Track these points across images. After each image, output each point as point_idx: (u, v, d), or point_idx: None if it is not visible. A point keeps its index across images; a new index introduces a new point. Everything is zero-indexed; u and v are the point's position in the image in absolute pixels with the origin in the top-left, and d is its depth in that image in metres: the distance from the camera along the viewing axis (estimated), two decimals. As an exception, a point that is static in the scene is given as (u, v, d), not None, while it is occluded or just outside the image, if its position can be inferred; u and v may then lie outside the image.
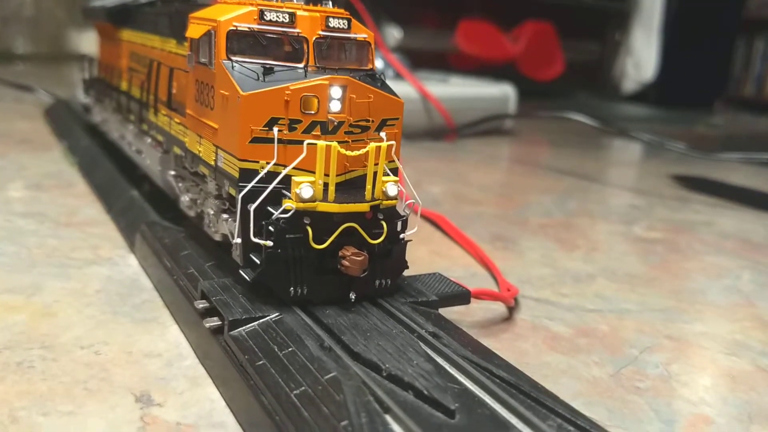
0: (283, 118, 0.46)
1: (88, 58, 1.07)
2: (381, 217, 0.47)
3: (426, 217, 0.83)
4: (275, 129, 0.45)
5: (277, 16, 0.47)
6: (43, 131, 1.25)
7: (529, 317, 0.59)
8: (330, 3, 0.51)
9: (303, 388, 0.38)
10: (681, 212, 1.02)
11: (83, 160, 0.98)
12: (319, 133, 0.46)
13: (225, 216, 0.51)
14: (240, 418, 0.41)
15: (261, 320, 0.45)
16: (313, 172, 0.44)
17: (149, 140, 0.70)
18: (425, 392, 0.37)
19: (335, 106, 0.46)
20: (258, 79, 0.46)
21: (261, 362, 0.41)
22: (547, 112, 1.84)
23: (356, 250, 0.45)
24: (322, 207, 0.44)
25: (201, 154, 0.54)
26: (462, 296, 0.53)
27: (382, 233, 0.47)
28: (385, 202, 0.46)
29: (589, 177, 1.25)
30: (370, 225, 0.46)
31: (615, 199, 1.11)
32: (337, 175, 0.45)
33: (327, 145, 0.44)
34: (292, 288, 0.45)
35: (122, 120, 0.83)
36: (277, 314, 0.45)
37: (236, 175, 0.46)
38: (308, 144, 0.45)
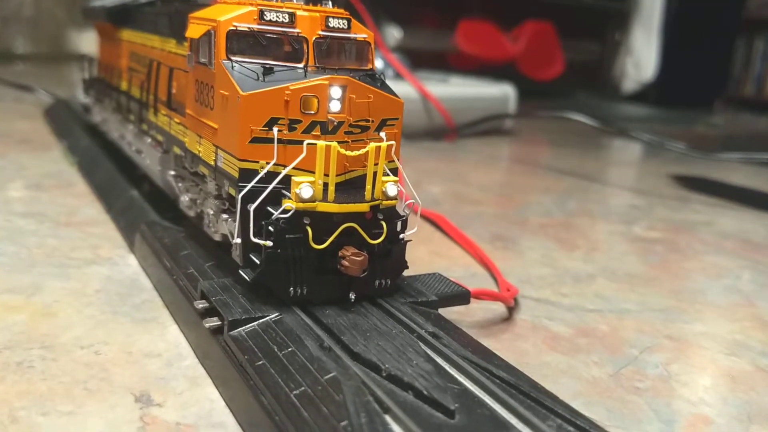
0: (283, 118, 0.46)
1: (88, 58, 1.07)
2: (381, 217, 0.47)
3: (426, 217, 0.83)
4: (275, 129, 0.45)
5: (277, 16, 0.47)
6: (43, 131, 1.25)
7: (528, 317, 0.59)
8: (330, 3, 0.51)
9: (303, 388, 0.38)
10: (681, 212, 1.02)
11: (83, 160, 0.98)
12: (318, 133, 0.46)
13: (225, 216, 0.51)
14: (240, 418, 0.41)
15: (261, 320, 0.45)
16: (313, 172, 0.44)
17: (149, 140, 0.70)
18: (425, 392, 0.37)
19: (335, 106, 0.46)
20: (258, 79, 0.46)
21: (261, 362, 0.41)
22: (547, 112, 1.84)
23: (356, 250, 0.45)
24: (322, 207, 0.44)
25: (201, 154, 0.54)
26: (462, 296, 0.53)
27: (382, 233, 0.47)
28: (384, 202, 0.46)
29: (589, 177, 1.25)
30: (370, 225, 0.46)
31: (615, 199, 1.11)
32: (336, 175, 0.45)
33: (327, 145, 0.44)
34: (292, 288, 0.45)
35: (122, 120, 0.83)
36: (276, 314, 0.45)
37: (236, 175, 0.46)
38: (308, 144, 0.45)
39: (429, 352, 0.42)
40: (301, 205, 0.44)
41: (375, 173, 0.45)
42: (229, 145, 0.48)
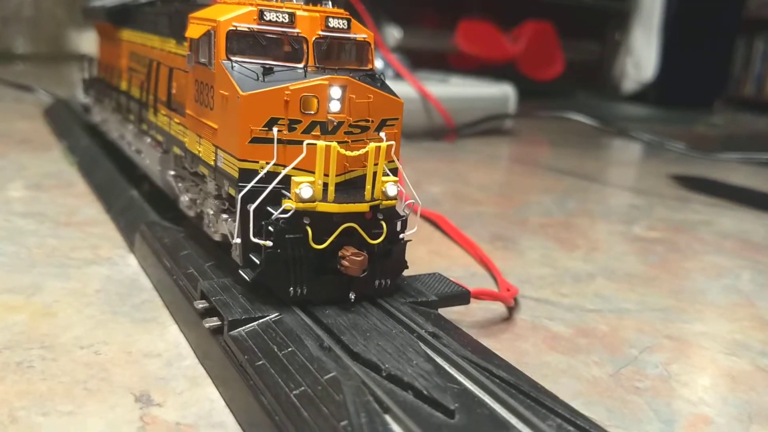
0: (283, 118, 0.46)
1: (87, 58, 1.07)
2: (381, 217, 0.47)
3: (426, 217, 0.83)
4: (275, 129, 0.45)
5: (277, 16, 0.47)
6: (42, 131, 1.25)
7: (528, 317, 0.59)
8: (330, 3, 0.51)
9: (302, 388, 0.38)
10: (681, 212, 1.02)
11: (83, 160, 0.99)
12: (318, 133, 0.46)
13: (224, 216, 0.51)
14: (239, 418, 0.41)
15: (260, 320, 0.45)
16: (313, 172, 0.44)
17: (149, 140, 0.70)
18: (425, 392, 0.37)
19: (335, 106, 0.46)
20: (258, 79, 0.46)
21: (260, 362, 0.41)
22: (547, 112, 1.84)
23: (356, 250, 0.45)
24: (322, 207, 0.44)
25: (200, 154, 0.54)
26: (462, 296, 0.53)
27: (382, 233, 0.47)
28: (384, 202, 0.46)
29: (589, 177, 1.25)
30: (370, 225, 0.46)
31: (615, 199, 1.11)
32: (336, 175, 0.45)
33: (327, 145, 0.44)
34: (292, 288, 0.45)
35: (122, 120, 0.83)
36: (276, 314, 0.45)
37: (236, 175, 0.46)
38: (308, 144, 0.45)
39: (429, 352, 0.42)
40: (300, 205, 0.44)
41: (375, 173, 0.45)
42: (229, 145, 0.48)
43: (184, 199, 0.60)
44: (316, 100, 0.46)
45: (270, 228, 0.44)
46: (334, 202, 0.45)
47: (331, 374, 0.38)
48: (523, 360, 0.51)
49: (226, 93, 0.47)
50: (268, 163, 0.46)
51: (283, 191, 0.45)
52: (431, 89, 1.50)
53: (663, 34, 2.59)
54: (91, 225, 0.74)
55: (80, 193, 0.86)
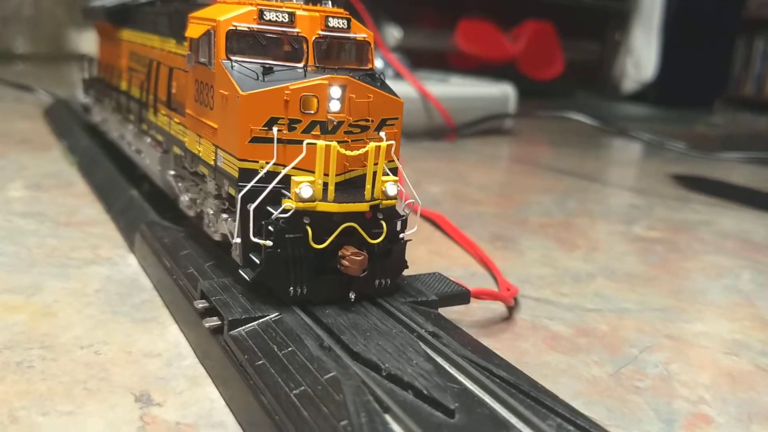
0: (283, 118, 0.46)
1: (87, 58, 1.07)
2: (380, 217, 0.47)
3: (426, 217, 0.83)
4: (275, 129, 0.45)
5: (277, 16, 0.47)
6: (42, 131, 1.25)
7: (528, 317, 0.59)
8: (329, 3, 0.51)
9: (302, 387, 0.38)
10: (681, 212, 1.02)
11: (83, 160, 0.99)
12: (318, 133, 0.46)
13: (224, 216, 0.51)
14: (239, 418, 0.41)
15: (260, 320, 0.45)
16: (313, 172, 0.44)
17: (149, 140, 0.70)
18: (425, 392, 0.37)
19: (335, 105, 0.46)
20: (257, 78, 0.46)
21: (260, 362, 0.41)
22: (547, 111, 1.84)
23: (356, 250, 0.45)
24: (322, 207, 0.44)
25: (200, 154, 0.54)
26: (462, 296, 0.53)
27: (382, 233, 0.47)
28: (384, 201, 0.46)
29: (589, 177, 1.25)
30: (370, 225, 0.46)
31: (615, 199, 1.11)
32: (336, 175, 0.45)
33: (326, 145, 0.44)
34: (292, 288, 0.45)
35: (122, 120, 0.83)
36: (276, 314, 0.45)
37: (236, 174, 0.46)
38: (308, 144, 0.45)
39: (429, 351, 0.42)
40: (300, 204, 0.44)
41: (375, 173, 0.45)
42: (229, 145, 0.48)
43: (184, 198, 0.60)
44: (316, 100, 0.46)
45: (270, 228, 0.44)
46: (334, 201, 0.45)
47: (331, 374, 0.38)
48: (523, 360, 0.51)
49: (226, 93, 0.47)
50: (268, 163, 0.46)
51: (283, 191, 0.45)
52: (431, 89, 1.50)
53: (663, 34, 2.59)
54: (91, 225, 0.74)
55: (80, 193, 0.86)
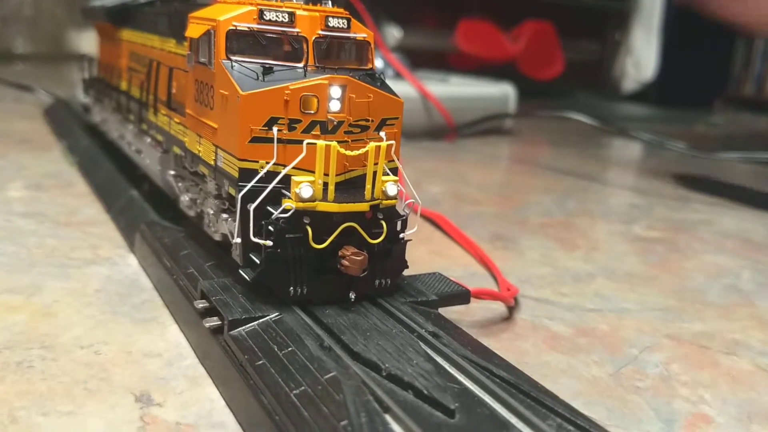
0: (283, 118, 0.46)
1: (87, 57, 1.07)
2: (381, 217, 0.47)
3: (426, 217, 0.83)
4: (275, 129, 0.45)
5: (277, 16, 0.47)
6: (42, 131, 1.25)
7: (528, 317, 0.59)
8: (329, 2, 0.51)
9: (303, 387, 0.38)
10: (681, 212, 1.02)
11: (83, 160, 0.98)
12: (318, 133, 0.46)
13: (225, 216, 0.51)
14: (240, 418, 0.41)
15: (261, 320, 0.45)
16: (313, 172, 0.44)
17: (149, 140, 0.70)
18: (425, 392, 0.37)
19: (335, 105, 0.46)
20: (257, 78, 0.46)
21: (261, 362, 0.41)
22: (547, 111, 1.84)
23: (356, 250, 0.45)
24: (322, 207, 0.44)
25: (201, 154, 0.54)
26: (462, 296, 0.53)
27: (382, 233, 0.47)
28: (384, 201, 0.46)
29: (589, 177, 1.25)
30: (370, 225, 0.46)
31: (615, 199, 1.11)
32: (336, 175, 0.45)
33: (326, 145, 0.44)
34: (292, 288, 0.45)
35: (122, 120, 0.83)
36: (276, 314, 0.45)
37: (236, 174, 0.46)
38: (308, 144, 0.45)
39: (429, 351, 0.42)
40: (301, 204, 0.44)
41: (375, 173, 0.45)
42: (229, 145, 0.48)
43: (184, 198, 0.60)
44: (316, 100, 0.46)
45: (270, 227, 0.44)
46: (334, 201, 0.45)
47: (331, 374, 0.38)
48: (523, 359, 0.51)
49: (226, 92, 0.47)
50: (268, 163, 0.46)
51: (283, 191, 0.45)
52: (431, 89, 1.50)
53: (663, 34, 2.59)
54: (91, 225, 0.74)
55: (80, 193, 0.86)
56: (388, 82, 0.51)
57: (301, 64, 0.47)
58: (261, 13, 0.47)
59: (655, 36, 2.61)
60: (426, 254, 0.73)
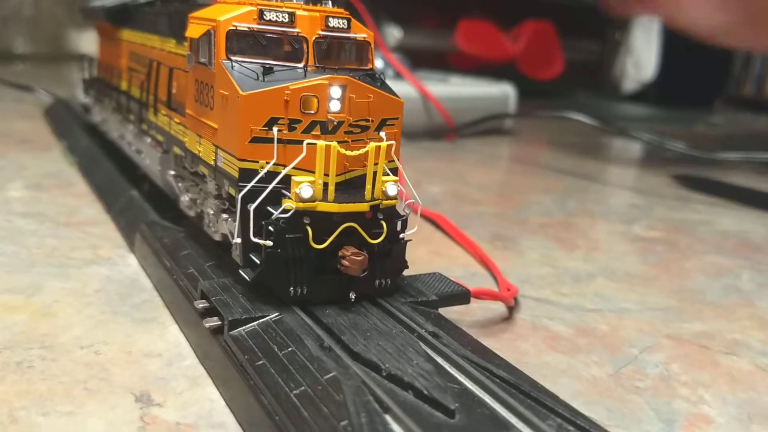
0: (283, 118, 0.46)
1: (87, 58, 1.07)
2: (381, 217, 0.47)
3: (426, 217, 0.83)
4: (275, 129, 0.45)
5: (277, 16, 0.47)
6: (42, 131, 1.25)
7: (528, 317, 0.59)
8: (330, 2, 0.51)
9: (303, 387, 0.38)
10: (681, 212, 1.02)
11: (83, 160, 0.99)
12: (318, 133, 0.46)
13: (225, 216, 0.51)
14: (240, 418, 0.41)
15: (261, 320, 0.45)
16: (313, 172, 0.44)
17: (149, 140, 0.70)
18: (425, 392, 0.37)
19: (335, 105, 0.46)
20: (258, 78, 0.46)
21: (261, 362, 0.41)
22: (547, 111, 1.84)
23: (356, 250, 0.45)
24: (322, 207, 0.44)
25: (201, 154, 0.54)
26: (462, 296, 0.53)
27: (382, 233, 0.47)
28: (384, 201, 0.46)
29: (589, 177, 1.24)
30: (370, 225, 0.46)
31: (615, 199, 1.11)
32: (336, 175, 0.45)
33: (327, 145, 0.44)
34: (292, 288, 0.45)
35: (122, 120, 0.83)
36: (276, 314, 0.45)
37: (236, 174, 0.46)
38: (308, 144, 0.45)
39: (429, 351, 0.42)
40: (301, 204, 0.44)
41: (375, 173, 0.45)
42: (229, 145, 0.48)
43: (185, 198, 0.60)
44: (316, 100, 0.46)
45: (270, 228, 0.44)
46: (334, 201, 0.45)
47: (331, 374, 0.38)
48: (523, 360, 0.51)
49: (226, 93, 0.47)
50: (268, 163, 0.46)
51: (284, 191, 0.45)
52: (431, 89, 1.50)
53: (663, 33, 2.59)
54: (91, 225, 0.74)
55: (80, 193, 0.86)
56: (388, 82, 0.51)
57: (301, 65, 0.48)
58: (261, 13, 0.47)
59: (655, 36, 2.61)
60: (426, 254, 0.73)
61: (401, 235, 0.48)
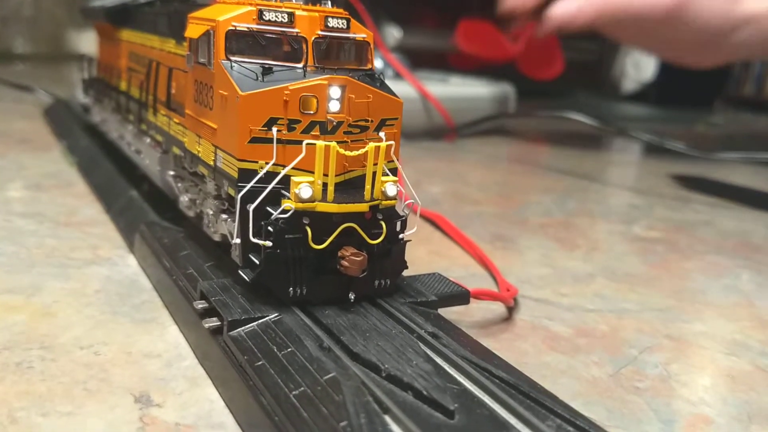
0: (282, 118, 0.45)
1: (87, 58, 1.07)
2: (380, 217, 0.47)
3: (425, 217, 0.83)
4: (274, 129, 0.45)
5: (276, 16, 0.47)
6: (42, 131, 1.25)
7: (528, 317, 0.59)
8: (329, 3, 0.50)
9: (302, 388, 0.38)
10: (681, 212, 1.02)
11: (82, 160, 0.98)
12: (318, 133, 0.46)
13: (224, 216, 0.51)
14: (239, 419, 0.41)
15: (260, 321, 0.45)
16: (312, 172, 0.44)
17: (148, 140, 0.70)
18: (424, 393, 0.37)
19: (334, 106, 0.46)
20: (257, 79, 0.46)
21: (260, 363, 0.41)
22: (547, 112, 1.84)
23: (355, 251, 0.45)
24: (322, 207, 0.44)
25: (200, 154, 0.54)
26: (461, 296, 0.53)
27: (382, 233, 0.47)
28: (384, 202, 0.46)
29: (589, 177, 1.24)
30: (370, 225, 0.46)
31: (615, 199, 1.11)
32: (336, 175, 0.45)
33: (326, 145, 0.44)
34: (292, 288, 0.45)
35: (121, 120, 0.83)
36: (276, 315, 0.45)
37: (235, 175, 0.46)
38: (307, 144, 0.45)
39: (428, 352, 0.42)
40: (300, 205, 0.44)
41: (374, 173, 0.45)
42: (229, 145, 0.48)
43: (184, 199, 0.60)
44: (315, 100, 0.46)
45: (269, 228, 0.44)
46: (333, 202, 0.44)
47: (330, 375, 0.38)
48: (522, 360, 0.51)
49: (225, 93, 0.47)
50: (267, 163, 0.46)
51: (283, 191, 0.45)
52: (431, 89, 1.50)
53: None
54: (90, 225, 0.74)
55: (80, 194, 0.86)
56: (388, 82, 0.51)
57: (300, 65, 0.47)
58: (260, 13, 0.47)
59: (655, 36, 2.61)
60: (426, 255, 0.73)
61: (401, 236, 0.48)
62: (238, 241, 0.47)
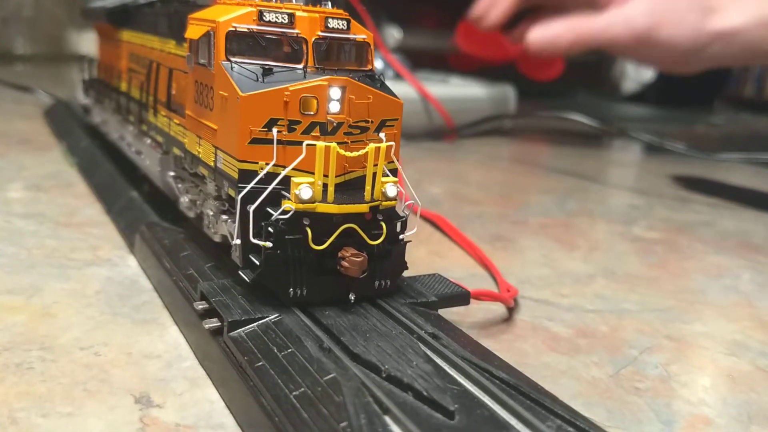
0: (283, 119, 0.46)
1: (87, 58, 1.07)
2: (380, 218, 0.47)
3: (425, 218, 0.83)
4: (274, 130, 0.45)
5: (276, 17, 0.47)
6: (42, 132, 1.25)
7: (528, 318, 0.59)
8: (329, 3, 0.51)
9: (302, 389, 0.38)
10: (681, 212, 1.02)
11: (83, 161, 0.99)
12: (318, 134, 0.46)
13: (224, 217, 0.51)
14: (239, 419, 0.41)
15: (260, 321, 0.45)
16: (313, 173, 0.44)
17: (149, 141, 0.70)
18: (424, 393, 0.37)
19: (334, 106, 0.46)
20: (257, 79, 0.46)
21: (260, 363, 0.41)
22: (547, 112, 1.84)
23: (355, 251, 0.45)
24: (322, 208, 0.44)
25: (200, 155, 0.54)
26: (461, 297, 0.53)
27: (382, 234, 0.47)
28: (384, 202, 0.46)
29: (589, 177, 1.24)
30: (370, 226, 0.46)
31: (615, 199, 1.11)
32: (336, 176, 0.45)
33: (326, 146, 0.44)
34: (292, 289, 0.45)
35: (122, 121, 0.83)
36: (276, 315, 0.45)
37: (235, 176, 0.46)
38: (307, 145, 0.45)
39: (429, 352, 0.42)
40: (300, 206, 0.44)
41: (374, 174, 0.45)
42: (229, 146, 0.48)
43: (184, 200, 0.60)
44: (315, 101, 0.46)
45: (270, 229, 0.44)
46: (333, 202, 0.45)
47: (330, 375, 0.38)
48: (522, 361, 0.51)
49: (225, 94, 0.47)
50: (267, 164, 0.46)
51: (283, 192, 0.45)
52: (431, 89, 1.50)
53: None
54: (90, 226, 0.74)
55: (80, 194, 0.86)
56: (388, 83, 0.51)
57: (300, 66, 0.48)
58: (260, 14, 0.47)
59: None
60: (426, 255, 0.73)
61: (401, 236, 0.48)
62: (238, 241, 0.47)
